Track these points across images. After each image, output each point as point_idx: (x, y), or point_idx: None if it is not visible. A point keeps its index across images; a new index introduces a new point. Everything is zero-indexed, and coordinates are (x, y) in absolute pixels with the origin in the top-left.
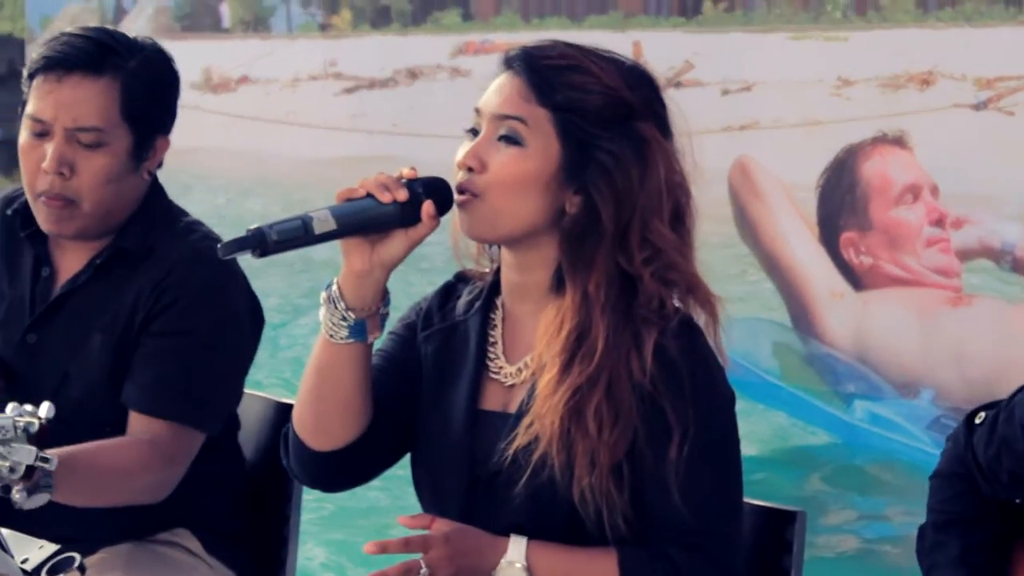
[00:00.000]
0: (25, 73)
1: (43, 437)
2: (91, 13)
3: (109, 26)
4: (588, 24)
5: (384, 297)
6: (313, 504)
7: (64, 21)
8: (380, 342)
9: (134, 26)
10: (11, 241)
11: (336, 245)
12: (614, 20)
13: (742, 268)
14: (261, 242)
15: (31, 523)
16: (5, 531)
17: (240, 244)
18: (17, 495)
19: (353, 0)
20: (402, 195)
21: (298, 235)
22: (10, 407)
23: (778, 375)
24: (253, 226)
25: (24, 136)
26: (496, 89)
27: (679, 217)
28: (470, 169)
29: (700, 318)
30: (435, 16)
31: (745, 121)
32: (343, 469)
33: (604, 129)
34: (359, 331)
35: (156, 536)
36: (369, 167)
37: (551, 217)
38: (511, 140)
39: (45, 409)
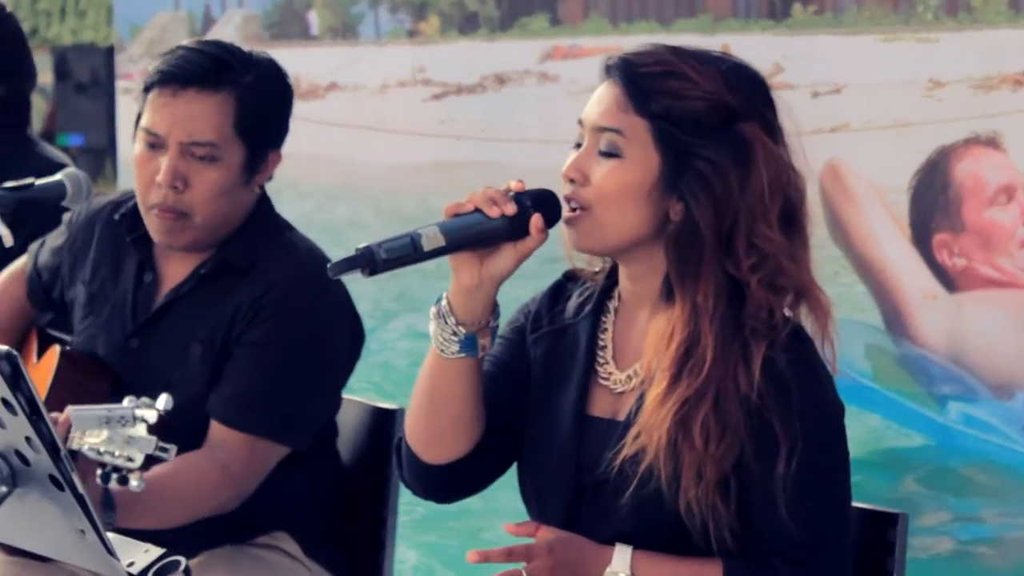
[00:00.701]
0: (142, 84)
1: (161, 428)
2: (180, 22)
3: (197, 35)
4: (677, 28)
5: (494, 310)
6: (405, 506)
7: (153, 30)
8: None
9: (223, 34)
10: (117, 245)
11: None
12: (703, 23)
13: (835, 270)
14: (370, 261)
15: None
16: (111, 535)
17: (350, 263)
18: (135, 482)
19: (441, 6)
20: (510, 209)
21: (407, 252)
22: (127, 399)
23: (871, 377)
24: (362, 245)
25: (139, 148)
26: (596, 99)
27: (790, 219)
28: (572, 180)
29: (810, 324)
30: (523, 21)
31: (836, 123)
32: (459, 480)
33: (701, 136)
34: (470, 345)
35: (255, 539)
36: (458, 173)
37: (656, 226)
38: (610, 153)
39: (163, 401)
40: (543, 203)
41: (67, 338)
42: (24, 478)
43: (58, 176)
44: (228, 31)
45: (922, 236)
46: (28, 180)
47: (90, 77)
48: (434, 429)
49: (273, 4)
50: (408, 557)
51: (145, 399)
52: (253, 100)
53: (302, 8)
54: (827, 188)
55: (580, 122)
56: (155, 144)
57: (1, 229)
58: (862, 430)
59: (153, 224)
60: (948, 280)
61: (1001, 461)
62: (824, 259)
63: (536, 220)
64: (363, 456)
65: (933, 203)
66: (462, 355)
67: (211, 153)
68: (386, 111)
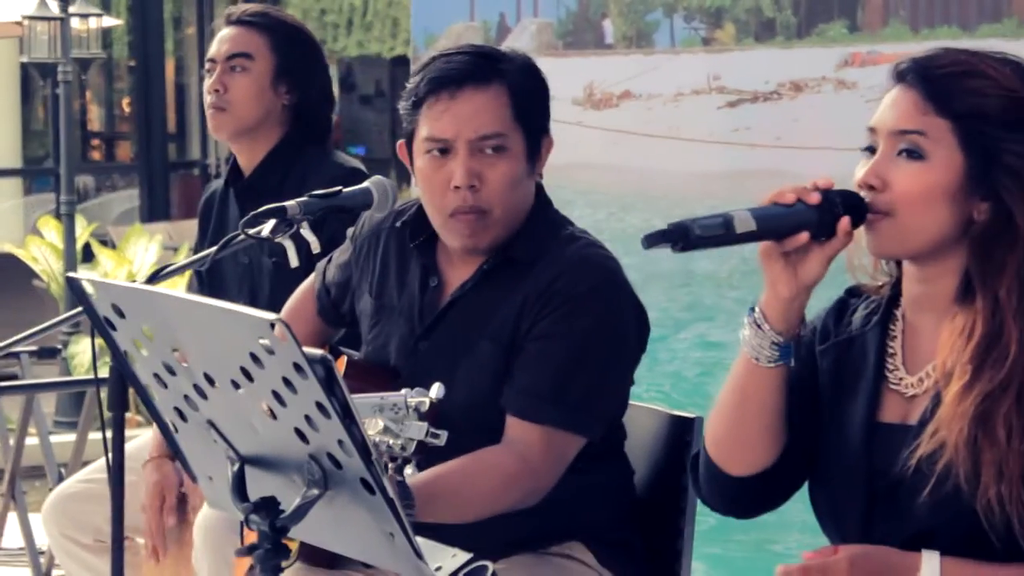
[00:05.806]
0: (409, 101)
1: (434, 416)
2: (475, 31)
3: (492, 44)
4: (981, 33)
5: (803, 319)
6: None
7: (448, 39)
8: None
9: (517, 43)
10: (401, 253)
11: (716, 260)
12: (1008, 28)
13: None
14: (684, 236)
15: (435, 531)
16: (419, 539)
17: (663, 236)
18: (409, 470)
19: (737, 13)
20: (814, 198)
21: (719, 233)
22: (403, 390)
23: None
24: (674, 220)
25: (424, 160)
26: (890, 104)
27: None
28: (871, 188)
29: None
30: (820, 28)
31: None
32: (761, 493)
33: (1008, 132)
34: (787, 353)
35: (550, 549)
36: (751, 181)
37: (959, 228)
38: (912, 154)
39: (436, 390)
40: (850, 205)
41: (355, 354)
42: (335, 481)
43: (365, 184)
44: (523, 40)
45: None
46: (335, 188)
47: (374, 89)
48: (742, 440)
49: (567, 13)
50: (695, 568)
51: (419, 388)
52: (521, 87)
53: (597, 17)
54: None
55: (872, 129)
56: (444, 150)
57: (309, 236)
58: None
59: (454, 230)
60: None
61: None
62: None
63: (845, 223)
64: (658, 464)
65: None
66: (780, 363)
67: (500, 143)
68: (680, 119)
